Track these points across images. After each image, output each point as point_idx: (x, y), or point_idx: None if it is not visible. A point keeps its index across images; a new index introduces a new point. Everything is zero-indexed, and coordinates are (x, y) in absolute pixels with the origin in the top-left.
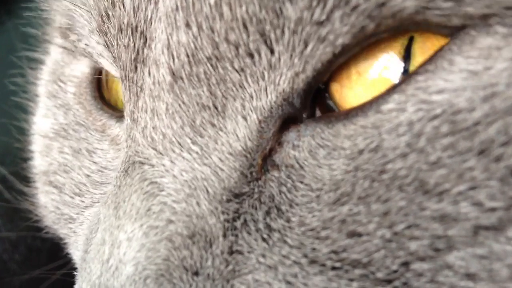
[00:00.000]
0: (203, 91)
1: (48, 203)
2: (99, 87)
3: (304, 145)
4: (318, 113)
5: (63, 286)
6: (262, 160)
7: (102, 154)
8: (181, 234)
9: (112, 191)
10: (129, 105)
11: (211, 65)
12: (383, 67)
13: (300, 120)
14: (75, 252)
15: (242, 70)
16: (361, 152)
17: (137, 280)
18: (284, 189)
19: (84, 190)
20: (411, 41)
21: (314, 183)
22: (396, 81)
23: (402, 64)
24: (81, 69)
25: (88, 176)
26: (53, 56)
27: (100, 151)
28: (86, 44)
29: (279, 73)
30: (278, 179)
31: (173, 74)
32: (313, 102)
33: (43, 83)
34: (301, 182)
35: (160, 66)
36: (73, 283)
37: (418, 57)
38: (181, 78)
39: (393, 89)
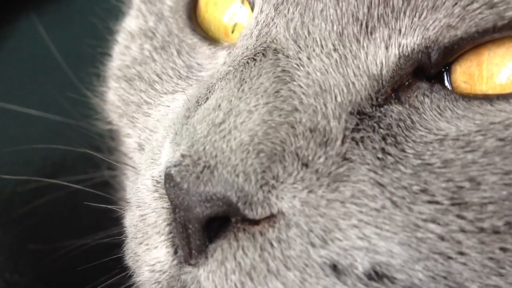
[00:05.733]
0: (363, 6)
1: (116, 98)
2: (195, 8)
3: (434, 99)
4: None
5: None
6: (390, 91)
7: (191, 56)
8: (303, 125)
9: (233, 67)
10: None
11: None
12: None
13: (427, 74)
14: (141, 134)
15: None
16: (493, 123)
17: (250, 151)
18: (402, 124)
19: (165, 79)
20: None
21: (436, 130)
22: None
23: None
24: None
25: (173, 68)
26: None
27: (192, 53)
28: None
29: (435, 17)
30: (399, 114)
31: None
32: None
33: None
34: (421, 125)
35: None
36: None
37: None
38: None
39: None
